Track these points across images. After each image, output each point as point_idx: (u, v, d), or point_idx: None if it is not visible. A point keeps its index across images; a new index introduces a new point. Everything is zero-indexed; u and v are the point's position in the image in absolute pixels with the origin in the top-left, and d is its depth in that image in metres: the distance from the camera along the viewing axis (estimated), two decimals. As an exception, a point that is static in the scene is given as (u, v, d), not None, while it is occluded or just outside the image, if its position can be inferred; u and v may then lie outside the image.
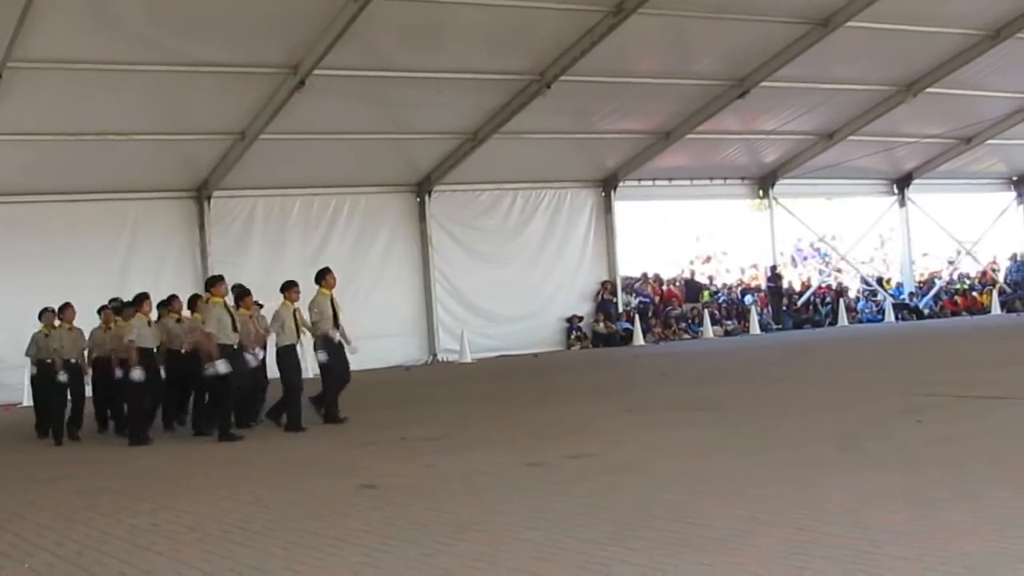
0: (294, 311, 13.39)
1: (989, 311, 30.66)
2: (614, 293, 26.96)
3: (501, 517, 7.12)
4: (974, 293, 32.16)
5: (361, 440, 11.87)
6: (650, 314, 27.85)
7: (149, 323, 13.27)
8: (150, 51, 17.66)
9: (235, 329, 12.79)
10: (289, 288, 13.48)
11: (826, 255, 34.21)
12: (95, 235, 21.25)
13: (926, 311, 30.91)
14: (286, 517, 7.63)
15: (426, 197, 24.52)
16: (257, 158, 21.09)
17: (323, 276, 13.73)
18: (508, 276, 25.21)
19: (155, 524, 7.69)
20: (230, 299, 13.42)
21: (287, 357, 13.20)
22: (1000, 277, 32.74)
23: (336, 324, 13.44)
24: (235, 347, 12.79)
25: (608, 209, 26.85)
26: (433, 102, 21.00)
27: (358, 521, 7.28)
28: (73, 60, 17.37)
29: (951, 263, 33.63)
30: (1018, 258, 32.84)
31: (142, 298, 13.39)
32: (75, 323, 14.41)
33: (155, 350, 13.36)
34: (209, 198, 22.22)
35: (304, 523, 7.34)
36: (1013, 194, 32.66)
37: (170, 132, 20.42)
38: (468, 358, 23.73)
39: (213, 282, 13.23)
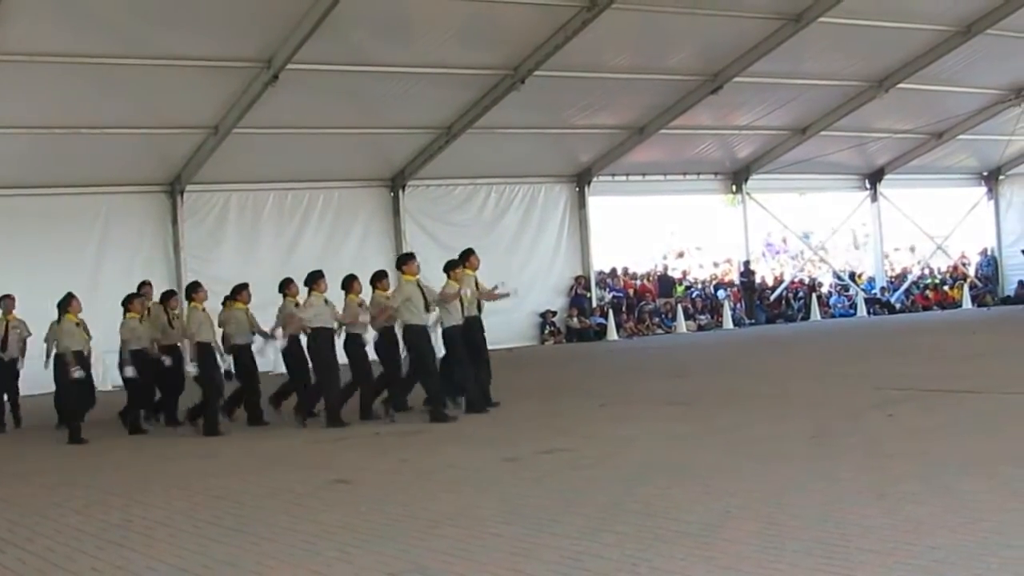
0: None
1: (960, 305, 30.88)
2: (588, 288, 27.01)
3: (475, 512, 7.13)
4: (945, 287, 32.39)
5: (334, 435, 11.86)
6: (623, 309, 27.91)
7: (326, 301, 13.06)
8: (123, 44, 17.52)
9: (427, 309, 12.90)
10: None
11: (795, 255, 34.26)
12: (67, 229, 21.01)
13: (898, 305, 31.11)
14: (259, 512, 7.62)
15: (400, 192, 24.45)
16: (230, 152, 20.96)
17: (467, 256, 13.88)
18: (481, 271, 24.94)
19: (127, 520, 7.66)
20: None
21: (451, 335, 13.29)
22: (971, 271, 32.97)
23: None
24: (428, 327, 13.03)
25: (582, 204, 26.86)
26: (407, 97, 20.94)
27: (331, 516, 7.27)
28: (44, 53, 17.17)
29: (912, 251, 33.80)
30: (988, 252, 33.09)
31: (317, 276, 13.23)
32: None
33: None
34: (182, 192, 22.06)
35: (277, 518, 7.33)
36: (983, 189, 32.86)
37: (143, 126, 20.26)
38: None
39: (405, 259, 13.36)
